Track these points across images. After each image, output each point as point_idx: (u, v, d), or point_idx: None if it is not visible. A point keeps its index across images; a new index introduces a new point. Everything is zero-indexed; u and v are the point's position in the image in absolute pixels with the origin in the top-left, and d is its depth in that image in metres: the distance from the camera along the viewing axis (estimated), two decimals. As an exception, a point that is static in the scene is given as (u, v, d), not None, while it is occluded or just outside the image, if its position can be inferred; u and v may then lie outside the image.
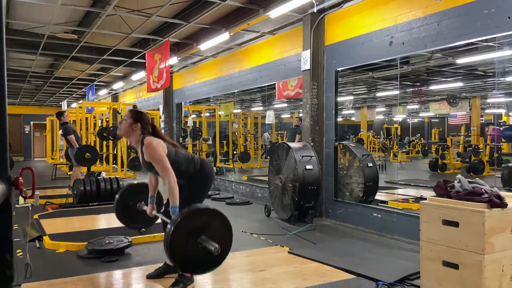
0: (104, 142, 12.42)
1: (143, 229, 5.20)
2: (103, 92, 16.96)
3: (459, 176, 3.18)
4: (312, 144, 6.47)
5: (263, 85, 8.44)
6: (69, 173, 11.83)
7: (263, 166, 13.06)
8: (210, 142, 12.65)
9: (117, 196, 3.91)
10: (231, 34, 7.50)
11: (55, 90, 16.81)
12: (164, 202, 3.77)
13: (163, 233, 3.23)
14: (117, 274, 3.98)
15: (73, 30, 8.31)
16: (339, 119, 6.61)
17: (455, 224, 2.95)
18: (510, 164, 8.11)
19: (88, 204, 7.01)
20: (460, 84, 11.43)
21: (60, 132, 9.62)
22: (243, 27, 7.29)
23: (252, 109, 15.96)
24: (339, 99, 6.80)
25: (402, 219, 5.22)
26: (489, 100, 14.18)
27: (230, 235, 3.01)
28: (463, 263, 2.90)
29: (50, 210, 6.75)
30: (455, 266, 2.95)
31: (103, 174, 9.76)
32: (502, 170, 8.59)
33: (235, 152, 14.43)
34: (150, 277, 3.76)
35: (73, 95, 18.43)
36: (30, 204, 7.15)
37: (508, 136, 11.30)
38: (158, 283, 3.67)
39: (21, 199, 7.28)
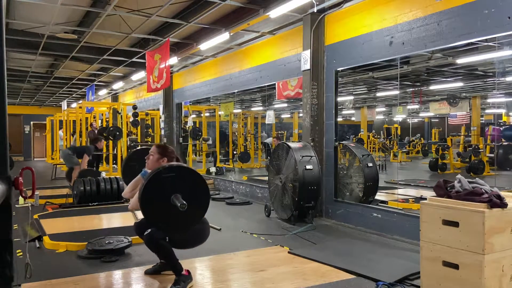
0: (104, 142, 12.41)
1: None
2: (103, 92, 16.96)
3: (459, 176, 3.18)
4: (312, 144, 6.47)
5: (263, 85, 8.44)
6: (69, 173, 11.80)
7: (263, 166, 13.06)
8: (210, 142, 12.66)
9: (124, 161, 4.36)
10: (231, 34, 7.50)
11: (55, 90, 16.81)
12: None
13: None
14: (117, 274, 3.99)
15: (73, 30, 8.31)
16: (339, 119, 6.61)
17: (455, 224, 2.95)
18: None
19: (88, 204, 7.02)
20: (460, 84, 11.43)
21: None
22: (243, 27, 7.29)
23: (252, 109, 15.97)
24: (339, 99, 6.79)
25: (402, 219, 5.22)
26: (489, 100, 14.19)
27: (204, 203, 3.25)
28: (463, 263, 2.90)
29: (50, 210, 6.75)
30: (455, 266, 2.95)
31: (103, 174, 9.74)
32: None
33: (235, 152, 14.43)
34: (148, 272, 3.90)
35: (73, 95, 18.43)
36: (30, 204, 7.15)
37: (508, 136, 11.32)
38: (158, 283, 3.68)
39: (21, 199, 7.28)
